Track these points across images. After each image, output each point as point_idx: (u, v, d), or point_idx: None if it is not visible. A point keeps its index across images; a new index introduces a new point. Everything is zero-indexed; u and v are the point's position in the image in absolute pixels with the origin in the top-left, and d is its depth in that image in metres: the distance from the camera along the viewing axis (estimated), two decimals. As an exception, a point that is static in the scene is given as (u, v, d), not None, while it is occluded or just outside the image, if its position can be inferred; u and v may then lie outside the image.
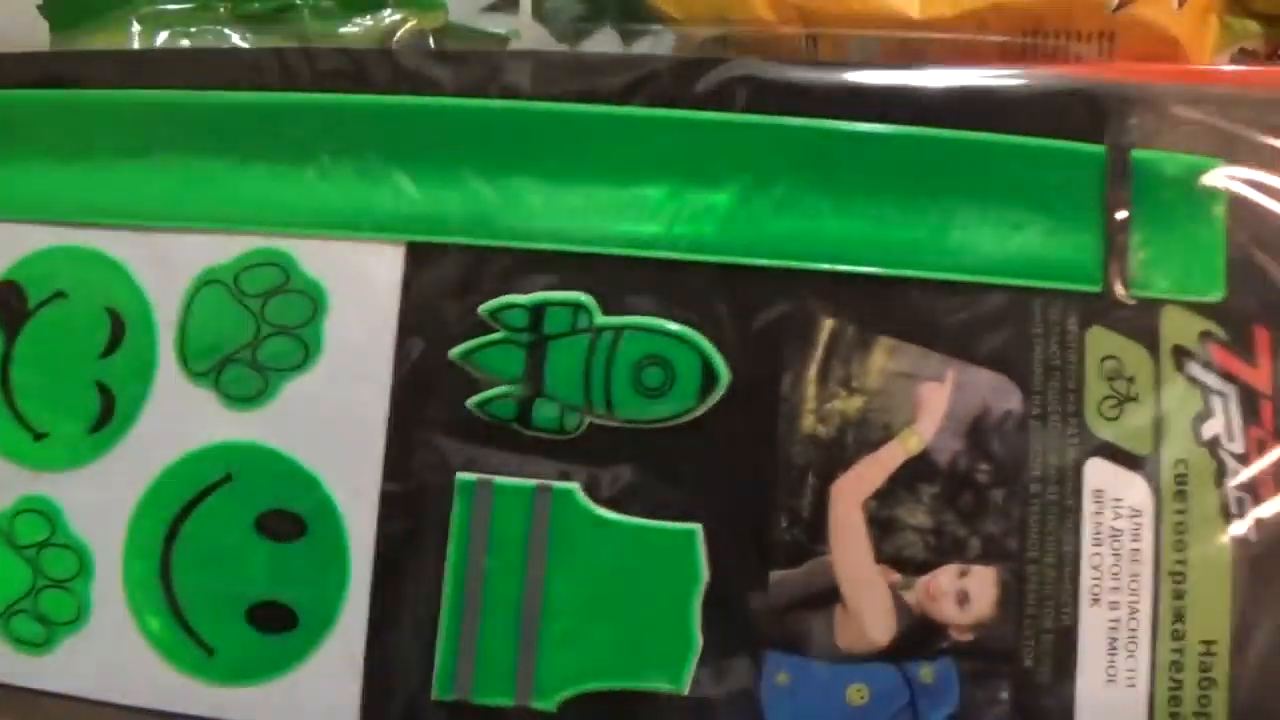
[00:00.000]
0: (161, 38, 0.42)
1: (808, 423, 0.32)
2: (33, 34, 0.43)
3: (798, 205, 0.33)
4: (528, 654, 0.32)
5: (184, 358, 0.35)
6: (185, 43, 0.41)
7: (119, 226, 0.36)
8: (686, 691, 0.32)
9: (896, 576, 0.32)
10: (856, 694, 0.31)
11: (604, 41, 0.44)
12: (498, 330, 0.33)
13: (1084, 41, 0.36)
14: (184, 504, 0.34)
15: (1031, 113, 0.33)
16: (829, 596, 0.32)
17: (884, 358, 0.32)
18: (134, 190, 0.35)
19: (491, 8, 0.44)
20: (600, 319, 0.33)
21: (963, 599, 0.31)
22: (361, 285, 0.34)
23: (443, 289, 0.34)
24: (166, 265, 0.35)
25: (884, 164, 0.33)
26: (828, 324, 0.33)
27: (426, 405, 0.34)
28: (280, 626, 0.34)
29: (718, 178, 0.33)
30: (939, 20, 0.37)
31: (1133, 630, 0.31)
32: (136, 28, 0.42)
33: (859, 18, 0.38)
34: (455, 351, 0.33)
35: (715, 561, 0.32)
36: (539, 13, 0.43)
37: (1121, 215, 0.32)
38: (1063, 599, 0.31)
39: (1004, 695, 0.31)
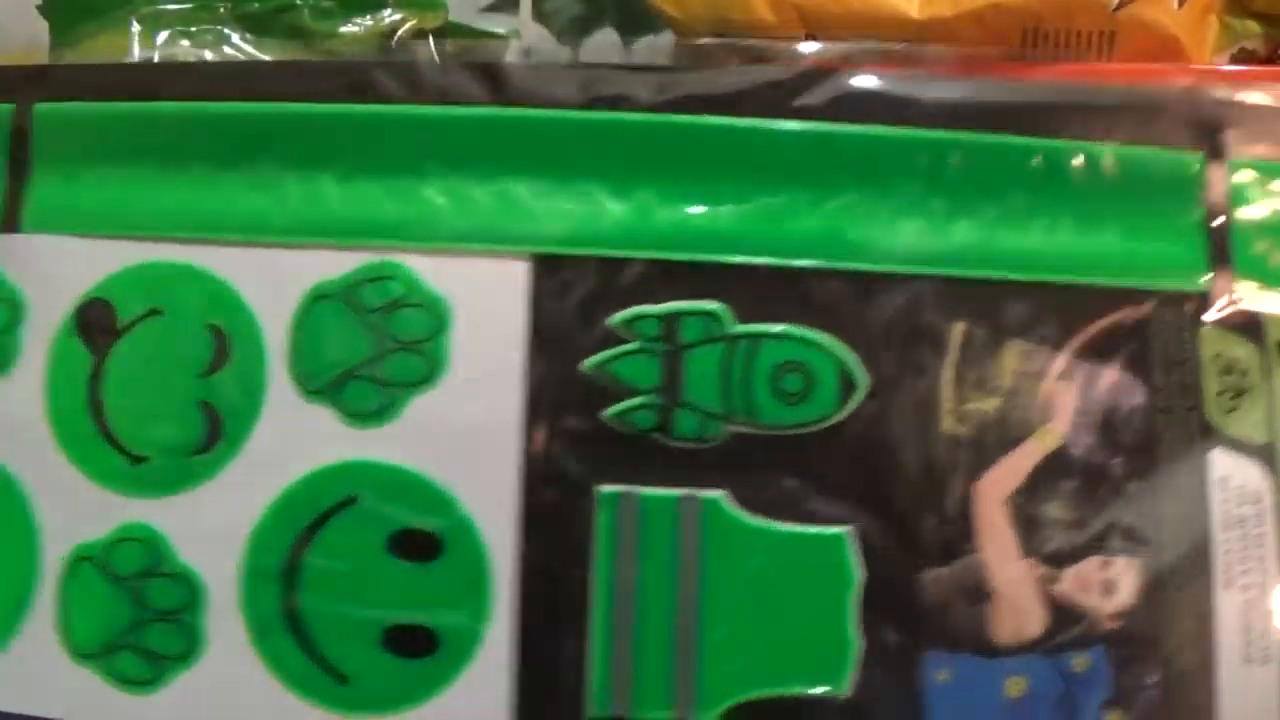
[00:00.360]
0: (161, 38, 0.40)
1: (948, 423, 0.33)
2: (33, 34, 0.41)
3: (918, 212, 0.34)
4: (686, 666, 0.32)
5: (298, 375, 0.33)
6: (185, 43, 0.39)
7: (220, 242, 0.34)
8: (848, 694, 0.32)
9: (1043, 570, 0.32)
10: (1014, 687, 0.32)
11: (604, 41, 0.44)
12: (630, 341, 0.33)
13: (1084, 41, 0.38)
14: (306, 526, 0.33)
15: (1134, 121, 0.34)
16: (981, 592, 0.32)
17: (1015, 359, 0.33)
18: (236, 205, 0.34)
19: (491, 8, 0.43)
20: (735, 327, 0.33)
21: (1107, 588, 0.32)
22: (486, 298, 0.33)
23: (570, 301, 0.33)
24: (274, 281, 0.34)
25: (999, 172, 0.34)
26: (958, 327, 0.33)
27: (561, 418, 0.33)
28: (420, 650, 0.32)
29: (840, 186, 0.34)
30: (939, 20, 0.37)
31: (1264, 609, 0.32)
32: (136, 28, 0.41)
33: (859, 17, 0.38)
34: (589, 362, 0.33)
35: (868, 563, 0.32)
36: (539, 12, 0.43)
37: (1219, 221, 0.34)
38: (1198, 583, 0.32)
39: (1152, 679, 0.32)
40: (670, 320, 0.33)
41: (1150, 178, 0.34)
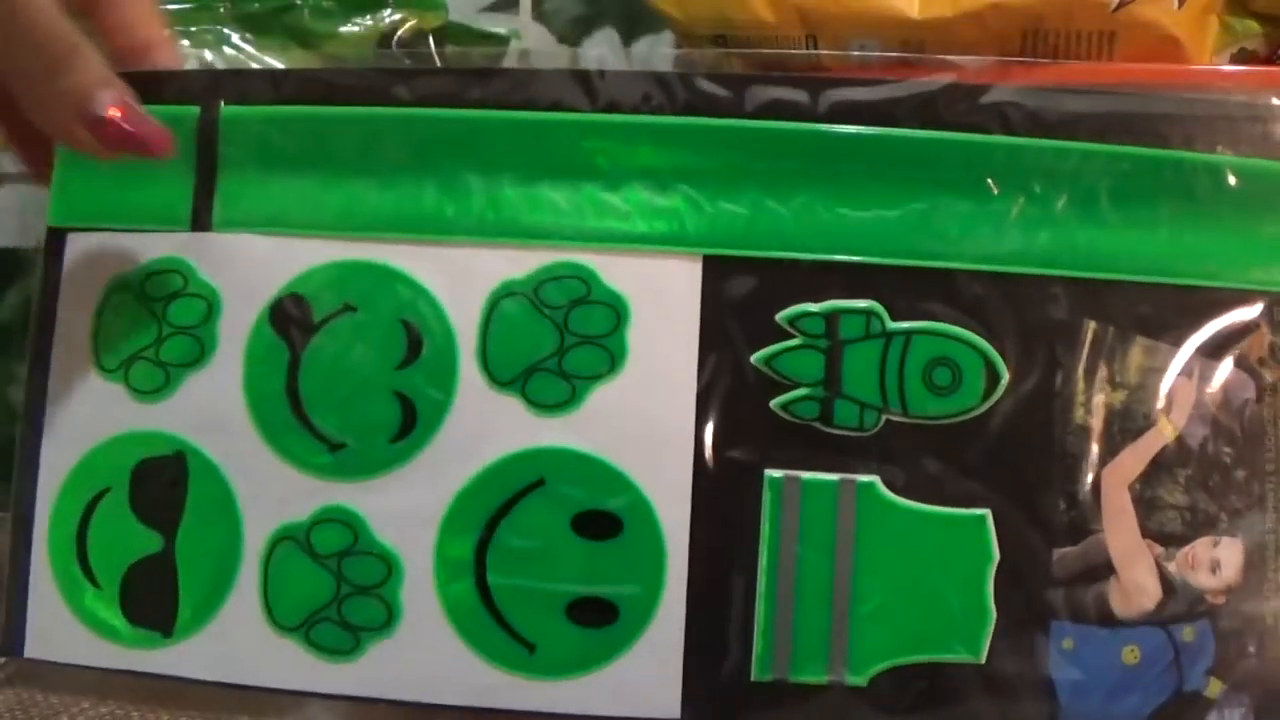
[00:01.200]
0: None
1: (1079, 415, 0.36)
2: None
3: (1055, 219, 0.36)
4: (840, 635, 0.35)
5: (487, 367, 0.35)
6: (185, 43, 0.41)
7: (408, 241, 0.36)
8: (983, 660, 0.36)
9: (1160, 549, 0.36)
10: (1130, 654, 0.36)
11: (604, 42, 0.45)
12: (795, 337, 0.36)
13: (1084, 41, 0.39)
14: (497, 508, 0.35)
15: (1255, 135, 0.37)
16: (1104, 570, 0.36)
17: (1140, 355, 0.36)
18: (423, 206, 0.36)
19: (491, 8, 0.45)
20: (891, 324, 0.36)
21: (1215, 567, 0.36)
22: (662, 296, 0.36)
23: (739, 299, 0.36)
24: (462, 278, 0.36)
25: (1129, 182, 0.36)
26: (1091, 326, 0.36)
27: (730, 408, 0.36)
28: (601, 620, 0.35)
29: (982, 194, 0.36)
30: (939, 20, 0.39)
31: (1353, 586, 0.36)
32: None
33: (858, 18, 0.40)
34: (758, 356, 0.36)
35: (1004, 542, 0.36)
36: (539, 13, 0.44)
37: None
38: (1296, 562, 0.36)
39: (1252, 649, 0.36)
40: (832, 318, 0.36)
41: (1268, 189, 0.37)
